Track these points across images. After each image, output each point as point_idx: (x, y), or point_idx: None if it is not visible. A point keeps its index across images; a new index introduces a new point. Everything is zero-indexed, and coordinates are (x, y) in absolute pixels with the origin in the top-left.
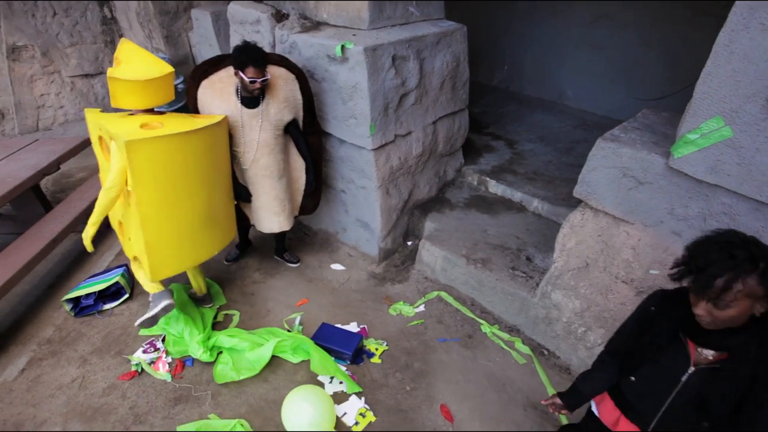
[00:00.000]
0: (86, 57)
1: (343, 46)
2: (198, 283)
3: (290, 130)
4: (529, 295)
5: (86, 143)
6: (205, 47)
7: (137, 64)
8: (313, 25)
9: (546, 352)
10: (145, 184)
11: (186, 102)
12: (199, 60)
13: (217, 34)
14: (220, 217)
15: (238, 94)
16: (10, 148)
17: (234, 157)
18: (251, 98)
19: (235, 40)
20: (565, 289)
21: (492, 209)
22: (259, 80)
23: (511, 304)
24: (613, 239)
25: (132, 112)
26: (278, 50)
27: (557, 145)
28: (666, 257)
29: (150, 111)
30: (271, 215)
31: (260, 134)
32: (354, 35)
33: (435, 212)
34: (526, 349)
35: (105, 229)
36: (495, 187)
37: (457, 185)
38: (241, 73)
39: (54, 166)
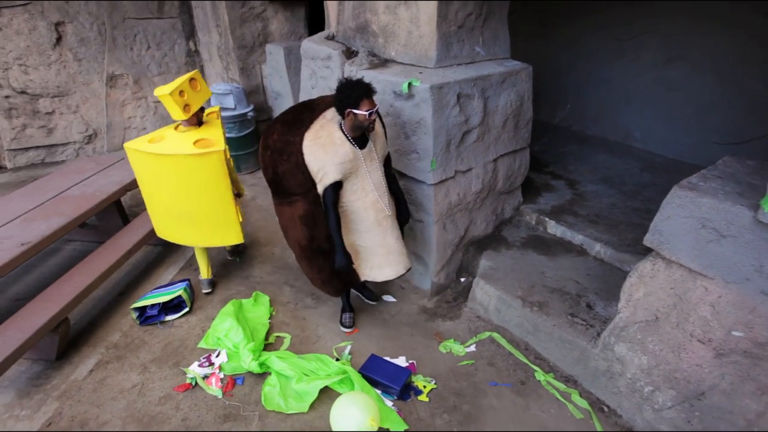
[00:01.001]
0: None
1: (410, 83)
2: (201, 267)
3: (386, 164)
4: (589, 344)
5: None
6: (276, 78)
7: (172, 84)
8: (381, 63)
9: (606, 409)
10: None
11: (261, 142)
12: (270, 90)
13: (287, 67)
14: (201, 220)
15: (348, 138)
16: (101, 165)
17: (344, 216)
18: (361, 137)
19: (305, 74)
20: (631, 342)
21: (550, 251)
22: (374, 110)
23: (568, 353)
24: (689, 294)
25: (179, 124)
26: None
27: (622, 188)
28: (753, 319)
29: (196, 123)
30: (399, 257)
31: (377, 173)
32: (420, 73)
33: (491, 250)
34: (583, 403)
35: (169, 246)
36: (554, 228)
37: (514, 224)
38: (355, 111)
39: (135, 183)
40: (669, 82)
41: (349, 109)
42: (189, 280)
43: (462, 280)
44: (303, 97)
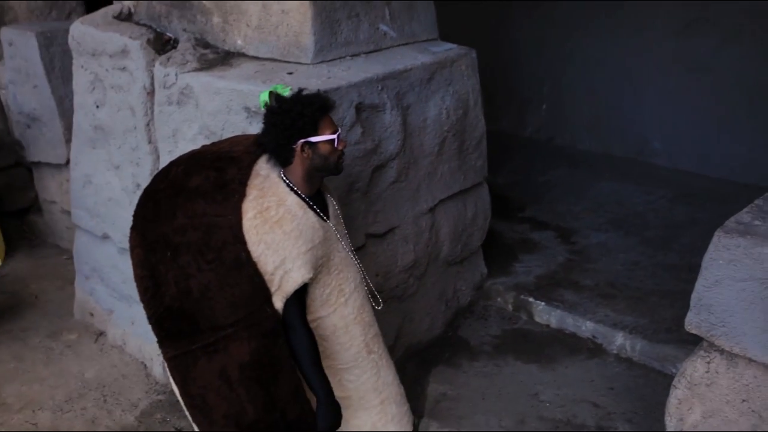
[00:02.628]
0: None
1: (272, 93)
2: None
3: None
4: None
5: None
6: (27, 89)
7: None
8: (220, 58)
9: None
10: None
11: (134, 238)
12: (17, 110)
13: (47, 69)
14: None
15: (307, 202)
16: None
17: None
18: (318, 194)
19: (83, 83)
20: None
21: (544, 354)
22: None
23: None
24: None
25: None
26: (160, 99)
27: (645, 234)
28: None
29: None
30: (401, 407)
31: (352, 258)
32: (290, 73)
33: (444, 365)
34: None
35: None
36: (545, 314)
37: (478, 314)
38: (313, 140)
39: None
40: (692, 57)
41: (302, 141)
42: None
43: None
44: (82, 122)
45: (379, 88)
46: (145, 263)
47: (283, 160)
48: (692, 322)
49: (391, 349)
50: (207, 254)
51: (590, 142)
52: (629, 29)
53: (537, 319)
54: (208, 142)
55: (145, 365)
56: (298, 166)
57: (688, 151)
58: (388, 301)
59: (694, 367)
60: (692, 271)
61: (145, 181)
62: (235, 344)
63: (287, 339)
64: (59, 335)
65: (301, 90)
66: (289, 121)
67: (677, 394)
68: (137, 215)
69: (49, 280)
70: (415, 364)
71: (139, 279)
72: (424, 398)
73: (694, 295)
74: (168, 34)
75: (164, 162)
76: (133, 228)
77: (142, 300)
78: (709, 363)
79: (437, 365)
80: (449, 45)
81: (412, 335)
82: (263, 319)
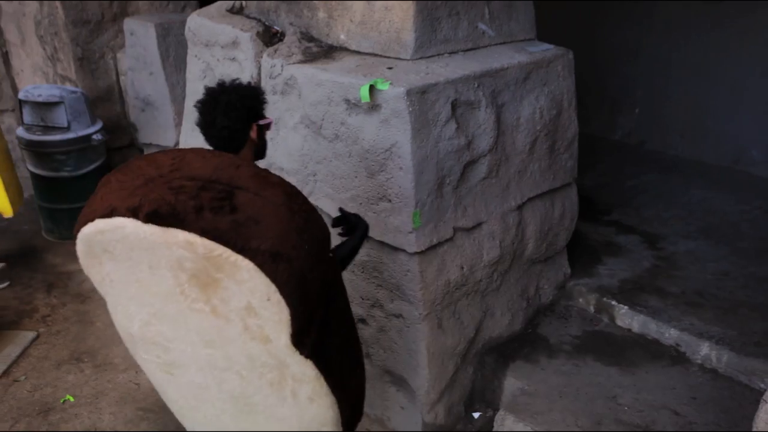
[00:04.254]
0: None
1: (371, 86)
2: None
3: None
4: None
5: None
6: (143, 76)
7: None
8: (324, 52)
9: None
10: None
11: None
12: (134, 95)
13: (163, 58)
14: None
15: None
16: None
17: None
18: None
19: (196, 71)
20: None
21: (624, 358)
22: None
23: None
24: None
25: None
26: (267, 89)
27: (738, 245)
28: None
29: None
30: None
31: None
32: (390, 68)
33: (522, 361)
34: None
35: None
36: (628, 318)
37: (558, 313)
38: (263, 122)
39: None
40: None
41: (256, 124)
42: None
43: (476, 415)
44: (193, 108)
45: (475, 85)
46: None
47: (237, 145)
48: None
49: (471, 342)
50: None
51: (683, 148)
52: (729, 33)
53: (619, 322)
54: (308, 131)
55: None
56: (248, 151)
57: None
58: (471, 295)
59: None
60: None
61: None
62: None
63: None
64: None
65: (234, 80)
66: (249, 103)
67: (767, 409)
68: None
69: None
70: (493, 357)
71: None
72: (501, 391)
73: None
74: (275, 27)
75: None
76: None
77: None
78: None
79: (516, 360)
80: (546, 45)
81: (493, 329)
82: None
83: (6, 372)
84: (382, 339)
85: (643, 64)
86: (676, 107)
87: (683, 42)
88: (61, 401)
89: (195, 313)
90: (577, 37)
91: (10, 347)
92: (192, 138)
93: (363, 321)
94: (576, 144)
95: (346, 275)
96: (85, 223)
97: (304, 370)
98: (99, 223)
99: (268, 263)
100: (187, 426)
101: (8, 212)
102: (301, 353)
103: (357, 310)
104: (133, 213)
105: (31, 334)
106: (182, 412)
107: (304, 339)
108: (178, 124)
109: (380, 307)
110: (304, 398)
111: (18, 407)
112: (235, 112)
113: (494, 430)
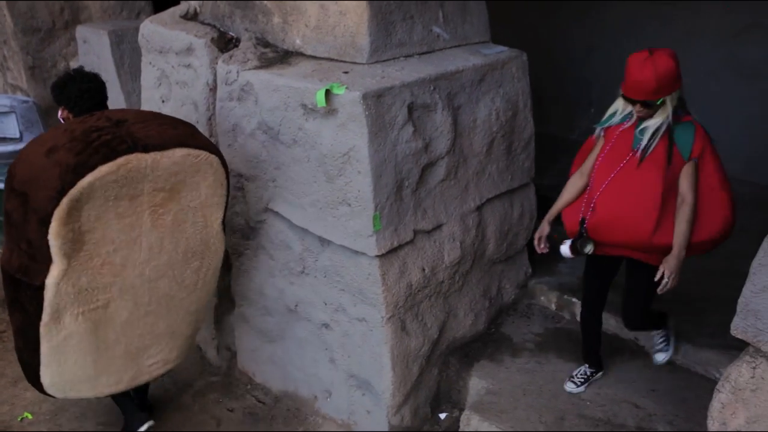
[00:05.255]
0: None
1: (327, 91)
2: None
3: None
4: None
5: None
6: None
7: None
8: (279, 57)
9: None
10: None
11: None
12: None
13: (118, 66)
14: None
15: None
16: None
17: None
18: None
19: (150, 78)
20: None
21: None
22: None
23: None
24: None
25: None
26: (222, 95)
27: None
28: None
29: None
30: None
31: None
32: (346, 72)
33: (486, 360)
34: None
35: None
36: None
37: (521, 312)
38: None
39: None
40: (745, 64)
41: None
42: None
43: (442, 416)
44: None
45: (432, 88)
46: None
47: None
48: (738, 327)
49: (435, 343)
50: None
51: None
52: (680, 34)
53: (579, 319)
54: (266, 137)
55: (200, 348)
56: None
57: (737, 158)
58: (433, 296)
59: (739, 372)
60: (739, 277)
61: None
62: None
63: None
64: None
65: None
66: (96, 86)
67: (721, 398)
68: None
69: None
70: (457, 358)
71: None
72: (466, 391)
73: (741, 300)
74: (231, 33)
75: (224, 155)
76: None
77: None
78: (754, 368)
79: (480, 360)
80: (500, 48)
81: (456, 330)
82: None
83: None
84: (346, 343)
85: (597, 63)
86: None
87: (634, 41)
88: (19, 419)
89: (155, 229)
90: (531, 39)
91: None
92: None
93: (326, 326)
94: (533, 144)
95: (308, 280)
96: (73, 182)
97: (218, 245)
98: (102, 169)
99: (222, 157)
100: (115, 358)
101: None
102: (223, 231)
103: (320, 315)
104: (134, 148)
105: None
106: (107, 346)
107: (225, 219)
108: None
109: (343, 312)
110: (209, 278)
111: None
112: (86, 95)
113: (460, 430)
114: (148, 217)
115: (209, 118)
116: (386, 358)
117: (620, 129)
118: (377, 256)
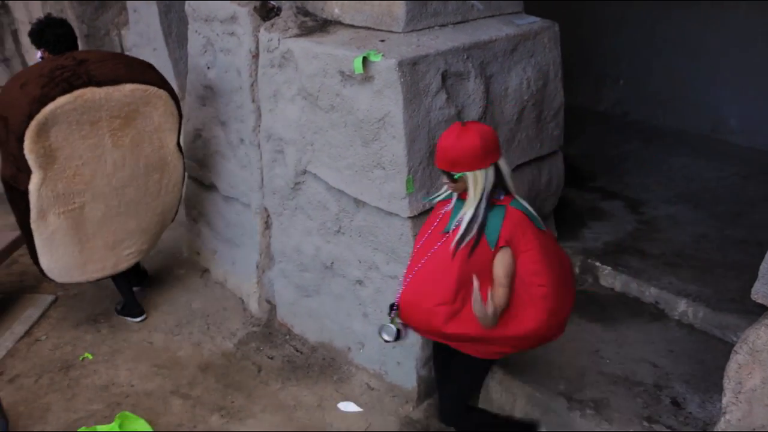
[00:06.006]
0: None
1: (365, 58)
2: None
3: None
4: None
5: None
6: (147, 52)
7: None
8: (319, 25)
9: None
10: None
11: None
12: None
13: (166, 34)
14: None
15: None
16: None
17: None
18: None
19: (196, 46)
20: None
21: (607, 315)
22: None
23: None
24: None
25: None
26: (264, 62)
27: (715, 209)
28: None
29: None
30: None
31: None
32: (382, 41)
33: None
34: None
35: None
36: (610, 279)
37: None
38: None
39: None
40: None
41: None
42: None
43: None
44: (194, 82)
45: (465, 57)
46: None
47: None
48: (759, 292)
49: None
50: None
51: (665, 118)
52: (709, 7)
53: (602, 282)
54: (305, 102)
55: (243, 301)
56: None
57: (765, 130)
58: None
59: (757, 335)
60: (761, 246)
61: (248, 136)
62: None
63: None
64: (170, 270)
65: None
66: (69, 30)
67: (738, 359)
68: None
69: None
70: None
71: None
72: None
73: (763, 266)
74: (272, 2)
75: (266, 120)
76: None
77: None
78: None
79: None
80: (533, 18)
81: None
82: None
83: (28, 332)
84: (378, 299)
85: (627, 37)
86: (658, 79)
87: (665, 15)
88: (80, 358)
89: (116, 148)
90: (563, 11)
91: (31, 309)
92: (194, 111)
93: (360, 282)
94: (562, 113)
95: (344, 239)
96: (38, 110)
97: (176, 162)
98: (60, 99)
99: (171, 92)
100: (97, 246)
101: None
102: (180, 151)
103: (354, 272)
104: (88, 83)
105: (50, 297)
106: (88, 239)
107: (179, 141)
108: (182, 98)
109: (376, 269)
110: (171, 187)
111: (40, 364)
112: (63, 39)
113: (486, 382)
114: (109, 139)
115: (251, 84)
116: None
117: (447, 206)
118: (409, 217)
